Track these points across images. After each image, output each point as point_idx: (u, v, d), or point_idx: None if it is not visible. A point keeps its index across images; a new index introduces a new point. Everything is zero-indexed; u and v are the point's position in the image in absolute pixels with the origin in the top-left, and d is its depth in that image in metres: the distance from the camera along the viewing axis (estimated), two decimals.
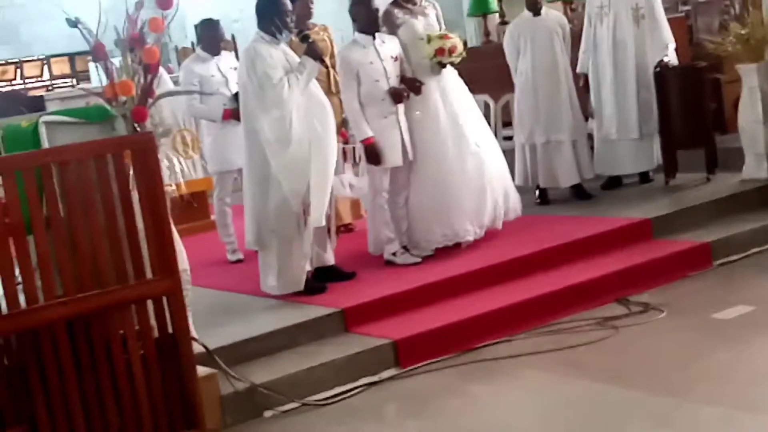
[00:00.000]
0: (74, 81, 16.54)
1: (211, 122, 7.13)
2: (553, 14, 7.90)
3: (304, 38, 5.98)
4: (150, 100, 4.82)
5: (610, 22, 7.76)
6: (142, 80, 4.81)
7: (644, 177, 7.99)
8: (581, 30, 8.08)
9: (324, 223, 5.98)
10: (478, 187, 6.60)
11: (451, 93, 6.68)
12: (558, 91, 7.67)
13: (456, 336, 5.50)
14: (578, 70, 7.92)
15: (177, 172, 7.40)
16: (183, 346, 4.64)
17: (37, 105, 9.25)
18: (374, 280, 6.17)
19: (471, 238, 6.55)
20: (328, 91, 7.05)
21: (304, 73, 5.82)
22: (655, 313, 5.69)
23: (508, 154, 7.37)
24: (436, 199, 6.51)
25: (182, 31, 15.39)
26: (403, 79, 6.49)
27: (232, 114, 6.79)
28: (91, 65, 13.18)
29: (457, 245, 6.55)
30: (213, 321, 5.58)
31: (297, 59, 5.93)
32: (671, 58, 7.70)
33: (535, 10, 7.73)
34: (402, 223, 6.59)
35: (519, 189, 7.28)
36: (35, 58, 16.88)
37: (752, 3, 7.38)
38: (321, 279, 6.12)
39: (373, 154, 6.34)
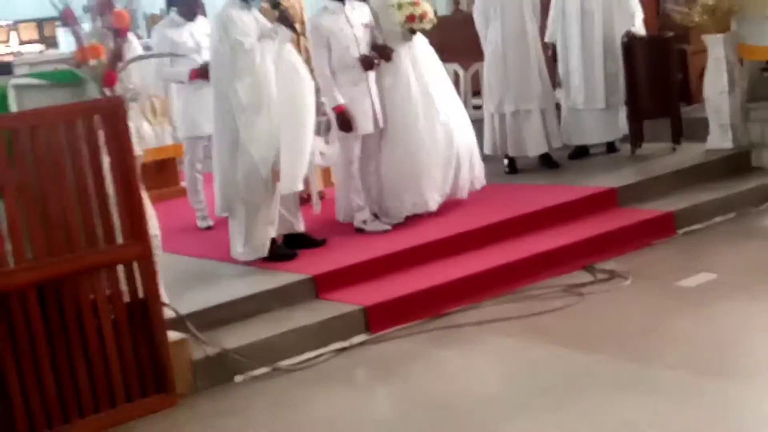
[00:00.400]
0: (43, 47, 16.36)
1: (182, 87, 7.10)
2: None
3: (275, 5, 5.97)
4: (120, 65, 4.82)
5: None
6: (111, 45, 4.80)
7: (611, 147, 8.06)
8: None
9: (296, 189, 6.00)
10: (446, 157, 6.64)
11: (421, 61, 6.70)
12: (527, 60, 7.70)
13: (425, 302, 5.57)
14: (546, 39, 7.95)
15: (145, 138, 7.40)
16: (154, 311, 4.68)
17: (4, 71, 9.18)
18: (344, 247, 6.21)
19: (434, 208, 6.60)
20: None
21: (275, 40, 5.82)
22: (620, 280, 5.78)
23: (477, 124, 7.41)
24: (407, 168, 6.55)
25: None
26: (373, 46, 6.50)
27: (199, 73, 6.76)
28: (60, 31, 13.08)
29: (428, 214, 6.60)
30: (184, 287, 5.59)
31: (269, 25, 5.92)
32: (638, 28, 7.75)
33: None
34: (372, 191, 6.63)
35: (488, 158, 7.34)
36: (2, 24, 16.68)
37: None
38: (291, 246, 6.16)
39: (345, 121, 6.36)
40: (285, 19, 5.88)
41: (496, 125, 7.87)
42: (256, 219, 5.92)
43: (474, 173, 6.87)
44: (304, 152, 5.96)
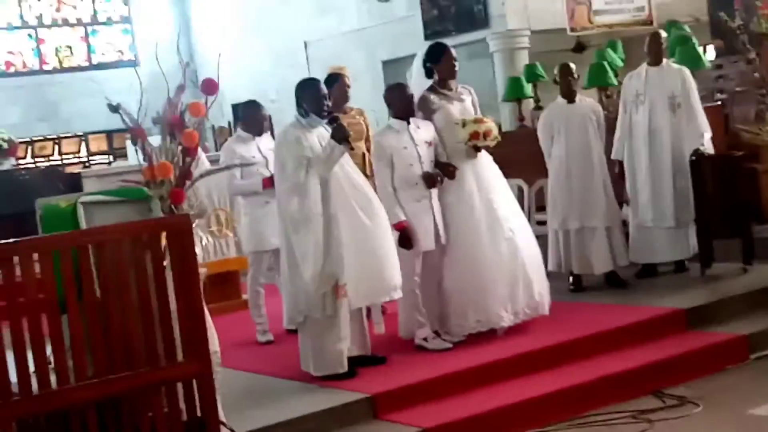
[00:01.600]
0: (111, 158, 16.79)
1: (248, 201, 7.16)
2: (587, 101, 7.92)
3: (332, 120, 6.03)
4: (188, 182, 4.85)
5: (645, 109, 7.78)
6: (180, 162, 4.85)
7: (680, 266, 7.92)
8: (616, 117, 8.10)
9: (361, 305, 5.98)
10: (512, 272, 6.56)
11: (485, 177, 6.69)
12: (591, 177, 7.67)
13: (487, 425, 5.42)
14: (613, 156, 7.92)
15: (209, 251, 7.45)
16: (211, 430, 4.59)
17: (74, 182, 9.35)
18: (405, 365, 6.10)
19: (505, 324, 6.49)
20: (362, 174, 7.11)
21: (328, 156, 5.86)
22: (691, 407, 5.59)
23: (541, 240, 7.33)
24: (470, 284, 6.48)
25: (219, 110, 15.65)
26: (437, 163, 6.52)
27: (272, 181, 6.83)
28: (128, 143, 13.38)
29: (491, 331, 6.49)
30: (242, 404, 5.53)
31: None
32: (707, 146, 7.70)
33: (570, 98, 7.76)
34: (434, 308, 6.55)
35: (552, 275, 7.23)
36: (73, 134, 17.19)
37: None
38: (351, 363, 6.07)
39: (406, 239, 6.34)
40: (337, 132, 5.89)
41: (561, 242, 7.79)
42: (321, 334, 5.87)
43: (544, 289, 6.75)
44: (377, 265, 5.94)
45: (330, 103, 6.11)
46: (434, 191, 6.49)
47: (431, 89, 6.75)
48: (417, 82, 6.85)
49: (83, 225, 4.64)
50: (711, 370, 6.14)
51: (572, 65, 7.85)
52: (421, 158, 6.43)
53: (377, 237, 6.01)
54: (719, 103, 9.13)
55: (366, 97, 13.35)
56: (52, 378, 4.28)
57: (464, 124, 6.55)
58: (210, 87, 4.94)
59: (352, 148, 6.51)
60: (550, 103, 8.10)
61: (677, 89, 7.72)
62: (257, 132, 7.29)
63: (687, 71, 7.89)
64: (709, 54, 11.33)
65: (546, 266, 7.16)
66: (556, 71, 7.87)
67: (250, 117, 7.38)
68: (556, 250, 7.80)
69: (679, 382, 5.96)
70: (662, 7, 13.54)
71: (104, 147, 17.38)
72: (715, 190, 7.52)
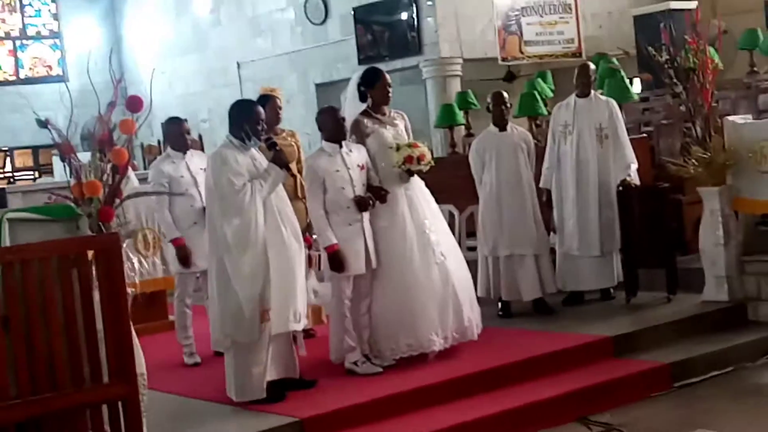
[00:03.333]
0: (36, 174, 16.51)
1: (176, 222, 7.07)
2: (518, 130, 8.01)
3: (271, 146, 6.01)
4: (117, 201, 4.79)
5: (573, 139, 7.89)
6: (110, 180, 4.78)
7: (605, 294, 8.02)
8: (545, 146, 8.21)
9: (290, 329, 5.92)
10: (443, 296, 6.58)
11: (417, 202, 6.71)
12: (522, 205, 7.74)
13: None
14: (541, 185, 8.01)
15: (137, 271, 7.33)
16: None
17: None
18: (335, 389, 6.07)
19: (436, 348, 6.50)
20: (294, 197, 7.08)
21: (268, 181, 5.84)
22: None
23: (472, 265, 7.37)
24: (401, 308, 6.48)
25: (148, 128, 15.48)
26: (369, 187, 6.53)
27: (180, 247, 6.93)
28: (55, 158, 13.18)
29: (421, 355, 6.49)
30: (168, 427, 5.44)
31: (265, 165, 5.95)
32: (633, 177, 7.83)
33: (502, 126, 7.85)
34: (364, 332, 6.53)
35: (481, 300, 7.26)
36: None
37: (713, 128, 7.53)
38: (280, 386, 6.02)
39: (337, 262, 6.33)
40: (279, 159, 5.90)
41: (490, 268, 7.85)
42: (245, 359, 5.82)
43: (474, 313, 6.78)
44: (294, 292, 5.91)
45: (265, 126, 6.09)
46: (366, 215, 6.49)
47: (365, 113, 6.76)
48: (351, 106, 6.86)
49: (7, 242, 4.55)
50: (636, 398, 6.20)
51: (505, 94, 7.94)
52: (353, 181, 6.43)
53: (296, 264, 5.98)
54: (645, 135, 9.31)
55: (299, 120, 13.36)
56: None
57: (398, 148, 6.57)
58: (134, 104, 4.89)
59: (293, 175, 6.51)
60: (482, 130, 8.17)
61: (605, 121, 7.85)
62: (182, 148, 7.21)
63: (615, 103, 8.03)
64: (636, 87, 11.56)
65: (476, 292, 7.20)
66: (489, 99, 7.95)
67: (172, 133, 7.30)
68: (486, 275, 7.85)
69: (604, 408, 6.01)
70: (591, 39, 13.82)
71: (30, 163, 17.09)
72: (641, 221, 7.65)
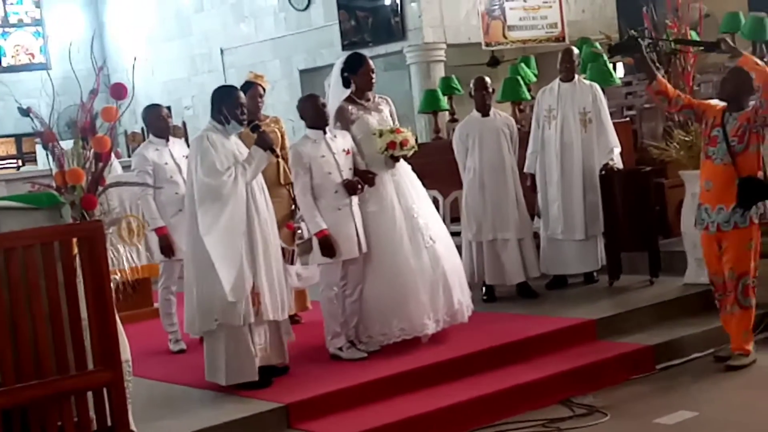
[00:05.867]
0: (19, 162, 16.45)
1: (161, 210, 7.06)
2: (501, 115, 8.03)
3: (255, 128, 6.02)
4: (100, 188, 4.79)
5: (558, 124, 7.92)
6: (92, 168, 4.78)
7: (589, 277, 8.07)
8: (529, 131, 8.24)
9: (279, 316, 5.93)
10: (433, 280, 6.59)
11: (405, 187, 6.72)
12: (505, 190, 7.78)
13: None
14: (525, 169, 8.05)
15: (122, 259, 7.33)
16: None
17: None
18: (319, 374, 6.10)
19: (430, 331, 6.52)
20: (276, 183, 7.10)
21: (252, 164, 5.85)
22: (599, 416, 5.69)
23: (456, 250, 7.41)
24: (393, 293, 6.48)
25: (132, 116, 15.43)
26: (356, 171, 6.53)
27: (163, 237, 6.96)
28: (38, 147, 13.15)
29: (411, 340, 6.50)
30: (153, 414, 5.46)
31: (247, 150, 5.96)
32: (616, 161, 7.87)
33: (484, 111, 7.87)
34: (352, 318, 6.55)
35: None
36: None
37: None
38: (265, 373, 6.02)
39: (328, 247, 6.33)
40: (263, 141, 5.91)
41: (474, 252, 7.88)
42: (238, 341, 5.80)
43: (464, 296, 6.80)
44: (275, 280, 5.92)
45: (245, 111, 6.08)
46: (354, 199, 6.49)
47: (349, 99, 6.76)
48: (334, 92, 6.86)
49: None
50: (619, 380, 6.26)
51: (487, 79, 7.95)
52: (339, 166, 6.44)
53: (278, 251, 5.99)
54: (628, 119, 9.35)
55: (283, 106, 13.34)
56: None
57: (381, 134, 6.58)
58: (118, 91, 4.89)
59: (277, 156, 6.50)
60: (466, 115, 8.19)
61: (588, 105, 7.88)
62: (164, 134, 7.20)
63: (598, 87, 8.07)
64: (619, 71, 11.60)
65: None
66: (471, 85, 7.97)
67: (152, 119, 7.28)
68: (470, 260, 7.88)
69: (587, 391, 6.06)
70: (574, 24, 13.85)
71: (12, 151, 17.03)
72: (623, 204, 7.69)
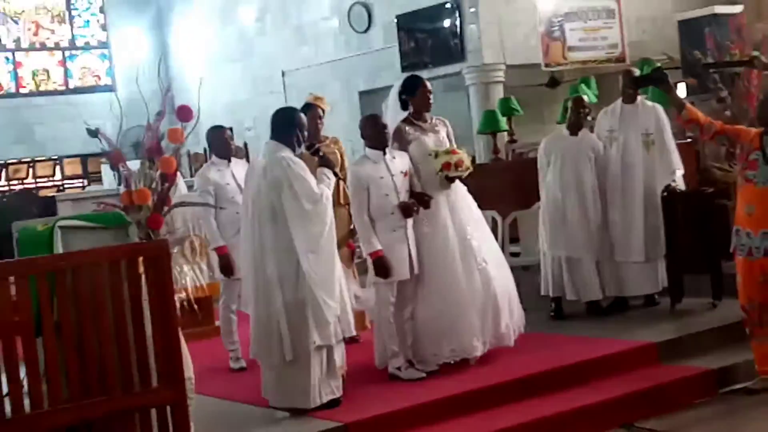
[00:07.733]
0: (85, 182, 16.73)
1: (222, 229, 7.15)
2: (589, 136, 7.99)
3: (316, 151, 6.07)
4: (165, 208, 4.88)
5: (619, 145, 7.88)
6: (158, 188, 4.87)
7: (650, 300, 7.99)
8: None
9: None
10: (484, 302, 6.60)
11: (460, 208, 6.75)
12: (583, 210, 7.79)
13: None
14: None
15: (186, 278, 7.43)
16: None
17: (49, 205, 9.32)
18: (379, 394, 6.12)
19: (478, 353, 6.52)
20: (336, 202, 7.14)
21: (329, 185, 5.91)
22: None
23: (515, 271, 7.39)
24: (444, 314, 6.51)
25: (195, 137, 15.64)
26: (412, 193, 6.56)
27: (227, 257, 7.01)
28: (104, 167, 13.40)
29: (463, 361, 6.52)
30: (214, 431, 5.51)
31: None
32: (679, 183, 7.80)
33: (573, 130, 7.89)
34: (407, 337, 6.57)
35: (542, 300, 7.25)
36: (48, 158, 17.13)
37: None
38: None
39: (382, 268, 6.37)
40: (327, 163, 5.97)
41: (548, 266, 7.88)
42: (307, 364, 5.77)
43: (514, 320, 6.79)
44: (345, 297, 5.98)
45: (305, 133, 6.13)
46: (409, 221, 6.53)
47: (406, 120, 6.81)
48: (392, 114, 6.91)
49: (59, 249, 4.65)
50: (680, 404, 6.19)
51: (586, 98, 7.96)
52: (397, 188, 6.48)
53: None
54: (690, 140, 9.26)
55: (342, 127, 13.43)
56: (26, 402, 4.28)
57: (436, 155, 6.62)
58: (185, 113, 4.98)
59: (339, 178, 6.54)
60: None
61: (651, 126, 7.82)
62: (226, 155, 7.30)
63: (661, 108, 8.00)
64: (681, 92, 11.49)
65: (540, 291, 7.32)
66: (570, 103, 7.96)
67: (215, 140, 7.39)
68: (545, 273, 7.89)
69: (649, 415, 6.01)
70: (635, 45, 13.73)
71: (78, 171, 17.31)
72: (686, 226, 7.61)
